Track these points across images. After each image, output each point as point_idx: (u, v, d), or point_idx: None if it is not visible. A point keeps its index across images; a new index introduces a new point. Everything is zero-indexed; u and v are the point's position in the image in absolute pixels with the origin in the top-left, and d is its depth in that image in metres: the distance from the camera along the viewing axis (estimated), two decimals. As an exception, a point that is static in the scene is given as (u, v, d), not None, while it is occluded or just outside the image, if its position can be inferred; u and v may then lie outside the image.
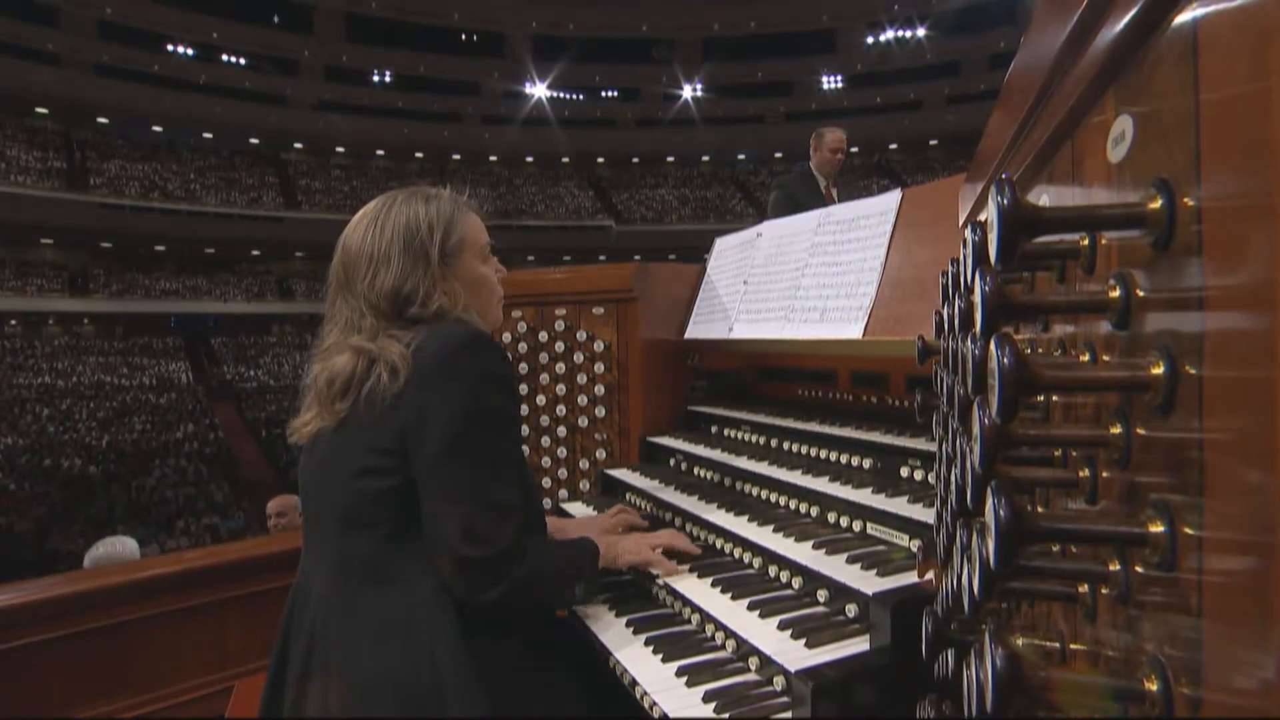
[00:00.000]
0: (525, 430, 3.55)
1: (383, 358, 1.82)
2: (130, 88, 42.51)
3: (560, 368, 3.48)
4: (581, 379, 3.44)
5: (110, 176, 42.23)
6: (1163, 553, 0.54)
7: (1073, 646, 0.78)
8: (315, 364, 1.98)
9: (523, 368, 3.53)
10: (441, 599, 1.77)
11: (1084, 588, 0.72)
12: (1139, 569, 0.59)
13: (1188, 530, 0.51)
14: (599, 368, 3.38)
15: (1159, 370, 0.55)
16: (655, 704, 1.73)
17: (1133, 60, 0.63)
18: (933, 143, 52.13)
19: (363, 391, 1.82)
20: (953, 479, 0.94)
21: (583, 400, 3.42)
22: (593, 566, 2.13)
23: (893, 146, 53.26)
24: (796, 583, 2.02)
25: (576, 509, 3.08)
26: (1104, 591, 0.66)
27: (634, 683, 1.84)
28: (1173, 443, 0.54)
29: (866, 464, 2.37)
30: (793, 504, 2.39)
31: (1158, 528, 0.54)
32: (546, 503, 3.38)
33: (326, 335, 2.00)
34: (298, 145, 50.24)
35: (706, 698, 1.70)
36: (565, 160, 54.73)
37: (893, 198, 2.49)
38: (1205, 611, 0.48)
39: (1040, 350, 1.02)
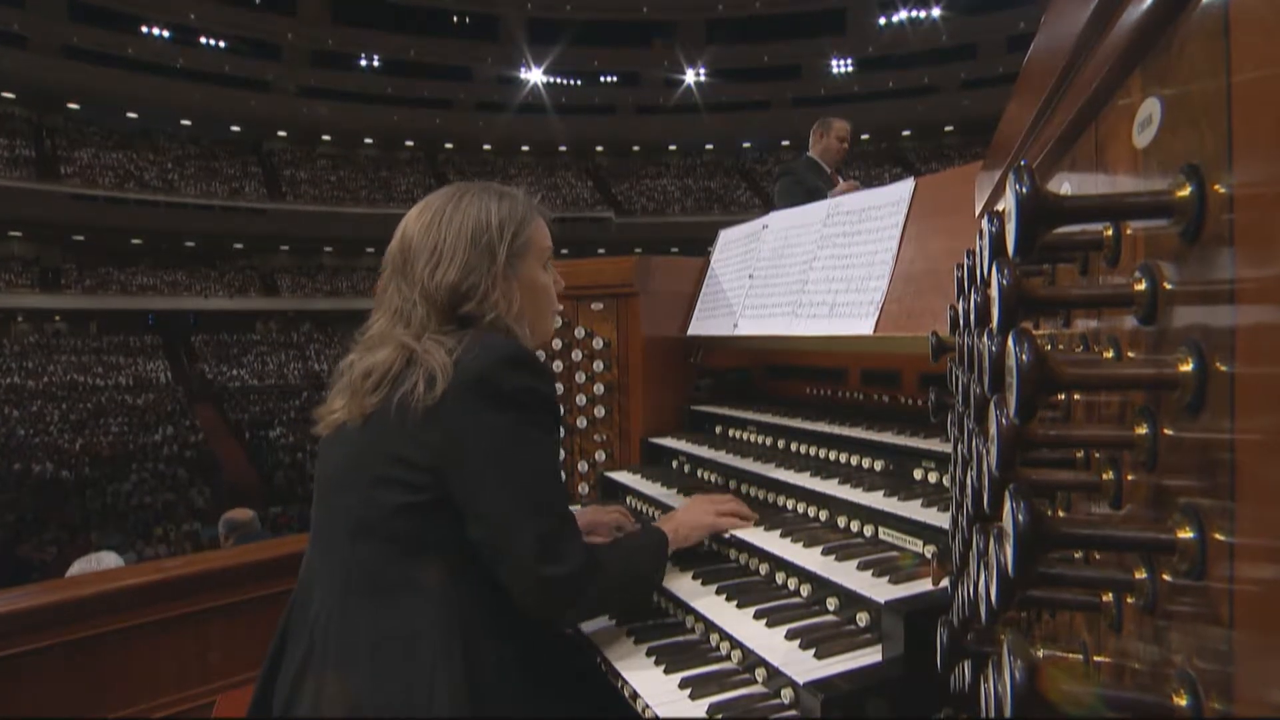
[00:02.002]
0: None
1: (423, 363, 1.81)
2: (102, 72, 42.47)
3: (558, 366, 3.48)
4: (580, 378, 3.44)
5: (82, 166, 42.23)
6: (1192, 560, 0.54)
7: (1097, 659, 0.78)
8: (356, 353, 1.98)
9: (517, 366, 3.52)
10: (446, 620, 1.76)
11: (1108, 597, 0.72)
12: (1167, 577, 0.59)
13: (1218, 536, 0.51)
14: (598, 366, 3.38)
15: (1187, 367, 0.55)
16: (657, 717, 1.74)
17: (1160, 39, 0.63)
18: (948, 129, 52.12)
19: (396, 392, 1.81)
20: (969, 482, 0.94)
21: (581, 400, 3.42)
22: (663, 562, 2.18)
23: (906, 133, 53.24)
24: (805, 590, 2.02)
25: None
26: (1129, 601, 0.66)
27: (635, 695, 1.85)
28: (1202, 444, 0.54)
29: (878, 466, 2.37)
30: (801, 507, 2.39)
31: (1186, 534, 0.54)
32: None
33: (374, 321, 2.02)
34: (281, 133, 50.23)
35: (711, 711, 1.70)
36: (562, 149, 54.73)
37: (905, 187, 2.49)
38: (1237, 622, 0.48)
39: (1061, 346, 1.02)
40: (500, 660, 1.80)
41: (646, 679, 1.89)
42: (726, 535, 2.35)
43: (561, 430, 3.37)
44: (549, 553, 1.78)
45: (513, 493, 1.79)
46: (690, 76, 52.90)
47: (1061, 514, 0.95)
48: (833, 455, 2.55)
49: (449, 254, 1.96)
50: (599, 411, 3.40)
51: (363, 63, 50.06)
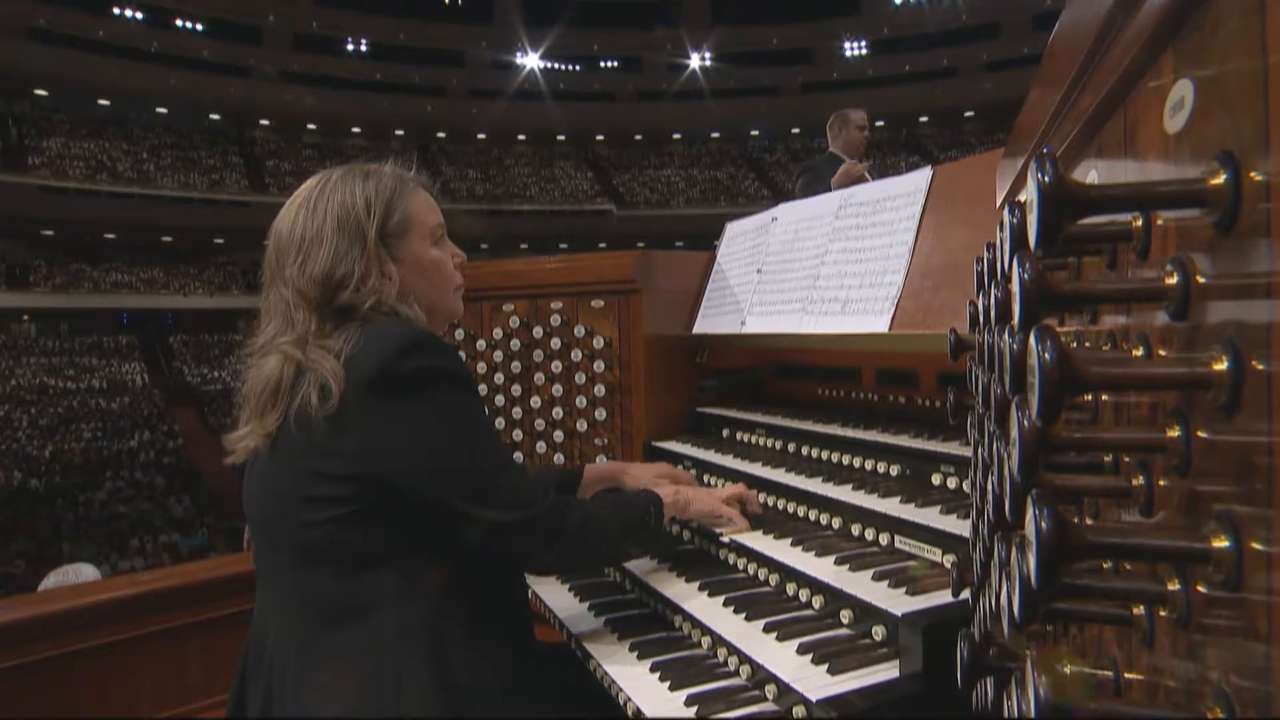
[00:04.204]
0: (518, 436, 3.56)
1: (313, 372, 1.80)
2: (72, 56, 42.47)
3: (556, 366, 3.48)
4: (580, 379, 3.44)
5: (51, 156, 42.28)
6: (1227, 570, 0.53)
7: (1127, 675, 0.78)
8: (250, 369, 1.96)
9: (515, 366, 3.53)
10: (410, 634, 1.77)
11: (1139, 609, 0.72)
12: (1201, 589, 0.59)
13: (1256, 545, 0.51)
14: (599, 366, 3.38)
15: (1222, 366, 0.55)
16: (661, 739, 1.74)
17: (1193, 17, 0.63)
18: (968, 114, 52.12)
19: (291, 406, 1.81)
20: (990, 487, 0.94)
21: (581, 402, 3.42)
22: (657, 518, 2.23)
23: (923, 119, 53.26)
24: (817, 602, 2.01)
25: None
26: (1162, 614, 0.66)
27: (638, 713, 1.85)
28: (1238, 447, 0.54)
29: (894, 471, 2.36)
30: (813, 515, 2.39)
31: (1222, 542, 0.54)
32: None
33: (262, 331, 1.99)
34: (263, 121, 50.34)
35: (718, 731, 1.70)
36: (561, 138, 54.79)
37: (922, 176, 2.49)
38: (1276, 636, 0.48)
39: (1087, 344, 1.01)
40: (476, 665, 1.81)
41: (650, 695, 1.88)
42: (725, 540, 2.37)
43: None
44: (507, 504, 1.86)
45: (453, 469, 1.84)
46: (695, 61, 52.92)
47: (1089, 521, 0.95)
48: (846, 459, 2.55)
49: (315, 245, 1.94)
50: (600, 414, 3.40)
51: (349, 47, 50.12)
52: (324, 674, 1.77)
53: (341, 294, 1.91)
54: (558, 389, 3.50)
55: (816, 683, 1.67)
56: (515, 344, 3.56)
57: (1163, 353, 0.71)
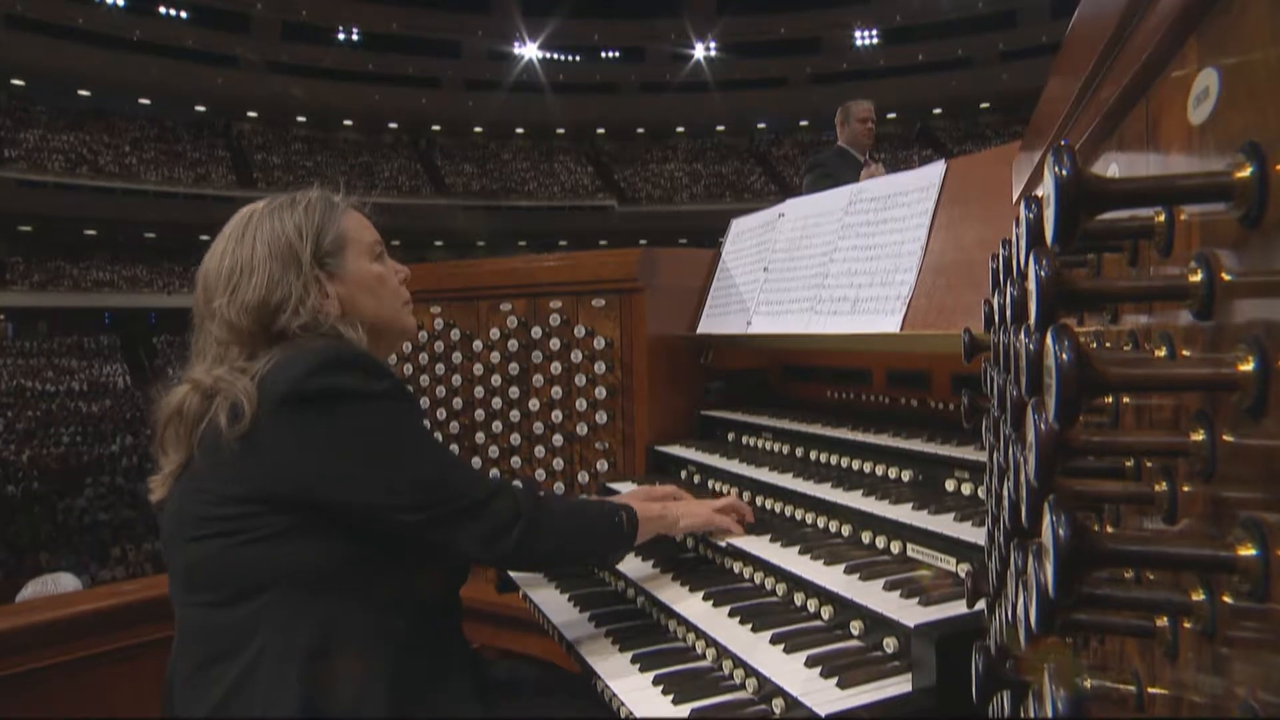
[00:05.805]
0: (516, 440, 3.57)
1: (223, 394, 1.79)
2: (50, 45, 42.50)
3: (556, 368, 3.48)
4: (580, 380, 3.44)
5: (29, 148, 42.34)
6: (1255, 580, 0.53)
7: (1151, 690, 0.78)
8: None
9: (513, 368, 3.53)
10: (279, 666, 1.75)
11: (1162, 621, 0.72)
12: (1227, 599, 0.59)
13: (1284, 553, 0.51)
14: (600, 367, 3.38)
15: (1248, 367, 0.54)
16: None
17: (1218, 3, 0.63)
18: (984, 106, 52.11)
19: (197, 434, 1.82)
20: (1005, 493, 0.94)
21: (581, 405, 3.42)
22: (630, 525, 2.22)
23: (937, 111, 53.23)
24: (826, 612, 2.01)
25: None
26: (1186, 625, 0.66)
27: (639, 729, 1.84)
28: (1265, 451, 0.54)
29: (906, 476, 2.36)
30: (821, 522, 2.39)
31: (1248, 551, 0.54)
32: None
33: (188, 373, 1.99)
34: (251, 114, 50.36)
35: (723, 748, 1.70)
36: (560, 131, 54.80)
37: (935, 170, 2.49)
38: (1304, 648, 0.48)
39: (1107, 344, 1.01)
40: (364, 692, 1.80)
41: (652, 708, 1.88)
42: (723, 544, 2.37)
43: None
44: (449, 493, 1.89)
45: (384, 482, 1.84)
46: (699, 51, 52.96)
47: (1109, 529, 0.95)
48: (856, 464, 2.55)
49: (247, 274, 1.93)
50: (601, 417, 3.40)
51: (340, 36, 50.16)
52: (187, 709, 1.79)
53: (280, 318, 1.91)
54: (557, 391, 3.50)
55: (826, 697, 1.67)
56: (513, 344, 3.56)
57: (1186, 353, 0.71)
